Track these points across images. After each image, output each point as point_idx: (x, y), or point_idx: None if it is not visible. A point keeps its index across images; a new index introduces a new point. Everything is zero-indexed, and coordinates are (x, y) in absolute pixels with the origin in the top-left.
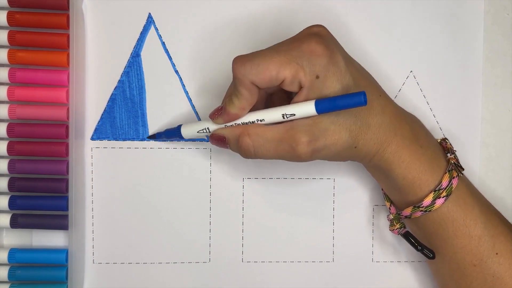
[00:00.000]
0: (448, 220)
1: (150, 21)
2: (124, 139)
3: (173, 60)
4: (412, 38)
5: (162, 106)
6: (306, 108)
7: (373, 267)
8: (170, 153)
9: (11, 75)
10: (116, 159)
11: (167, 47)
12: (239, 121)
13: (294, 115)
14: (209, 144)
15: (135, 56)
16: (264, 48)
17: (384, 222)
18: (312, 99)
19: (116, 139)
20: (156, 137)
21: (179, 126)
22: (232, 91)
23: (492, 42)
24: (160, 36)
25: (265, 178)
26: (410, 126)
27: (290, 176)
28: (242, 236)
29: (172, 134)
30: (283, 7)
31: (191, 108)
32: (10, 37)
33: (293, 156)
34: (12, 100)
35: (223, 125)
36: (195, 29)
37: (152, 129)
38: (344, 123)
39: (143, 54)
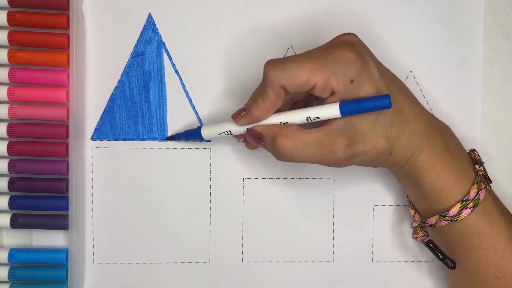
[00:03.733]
0: (473, 231)
1: (150, 21)
2: (124, 139)
3: (173, 60)
4: (412, 38)
5: (162, 106)
6: (330, 110)
7: (373, 267)
8: (170, 153)
9: (11, 75)
10: (116, 159)
11: (167, 47)
12: (263, 123)
13: (318, 118)
14: (209, 144)
15: (135, 56)
16: (260, 47)
17: (384, 222)
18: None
19: (116, 139)
20: (175, 138)
21: (199, 128)
22: (259, 93)
23: (492, 42)
24: (160, 36)
25: (265, 178)
26: (442, 135)
27: (290, 176)
28: (242, 236)
29: (191, 135)
30: (281, 6)
31: (192, 108)
32: (10, 37)
33: (331, 160)
34: (12, 100)
35: (245, 127)
36: (195, 29)
37: (156, 130)
38: (381, 129)
39: (143, 54)
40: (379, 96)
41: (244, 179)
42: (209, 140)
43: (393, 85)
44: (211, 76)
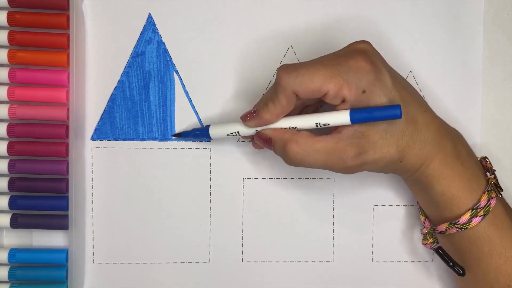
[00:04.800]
0: (484, 239)
1: (150, 21)
2: (124, 139)
3: (173, 60)
4: (412, 38)
5: (162, 106)
6: (341, 117)
7: (373, 267)
8: (170, 153)
9: (11, 75)
10: (116, 159)
11: (167, 47)
12: (272, 126)
13: (328, 124)
14: (209, 144)
15: (135, 56)
16: (260, 47)
17: (384, 222)
18: None
19: (116, 139)
20: (182, 135)
21: (208, 127)
22: (270, 97)
23: (492, 42)
24: (160, 36)
25: (265, 178)
26: (453, 142)
27: (290, 176)
28: (242, 236)
29: (199, 134)
30: (281, 7)
31: (192, 108)
32: (10, 37)
33: (341, 167)
34: (12, 100)
35: (253, 129)
36: (195, 29)
37: (156, 130)
38: (391, 139)
39: (143, 54)
40: (390, 106)
41: (244, 179)
42: (210, 139)
43: (406, 93)
44: (211, 76)
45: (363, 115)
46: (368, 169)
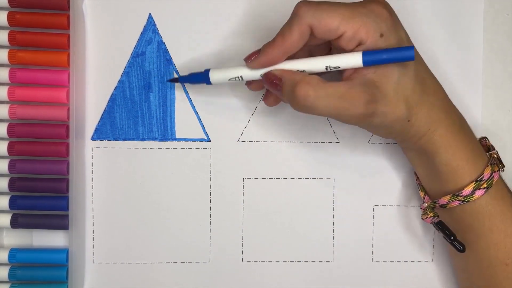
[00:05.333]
0: (485, 214)
1: (150, 21)
2: (124, 139)
3: (173, 60)
4: (412, 38)
5: (162, 106)
6: (352, 59)
7: (373, 267)
8: (170, 153)
9: (11, 75)
10: (116, 159)
11: (167, 47)
12: (278, 67)
13: (339, 67)
14: (209, 144)
15: (135, 56)
16: (261, 47)
17: (384, 222)
18: None
19: (116, 139)
20: (179, 80)
21: (207, 71)
22: (280, 31)
23: (492, 42)
24: (160, 37)
25: (265, 178)
26: (458, 114)
27: (290, 176)
28: (242, 236)
29: (198, 78)
30: (281, 6)
31: (192, 108)
32: (11, 37)
33: (351, 114)
34: (13, 100)
35: (258, 72)
36: (195, 29)
37: (156, 130)
38: (402, 93)
39: (143, 54)
40: (403, 47)
41: (244, 179)
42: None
43: (417, 53)
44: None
45: (376, 56)
46: (376, 123)
